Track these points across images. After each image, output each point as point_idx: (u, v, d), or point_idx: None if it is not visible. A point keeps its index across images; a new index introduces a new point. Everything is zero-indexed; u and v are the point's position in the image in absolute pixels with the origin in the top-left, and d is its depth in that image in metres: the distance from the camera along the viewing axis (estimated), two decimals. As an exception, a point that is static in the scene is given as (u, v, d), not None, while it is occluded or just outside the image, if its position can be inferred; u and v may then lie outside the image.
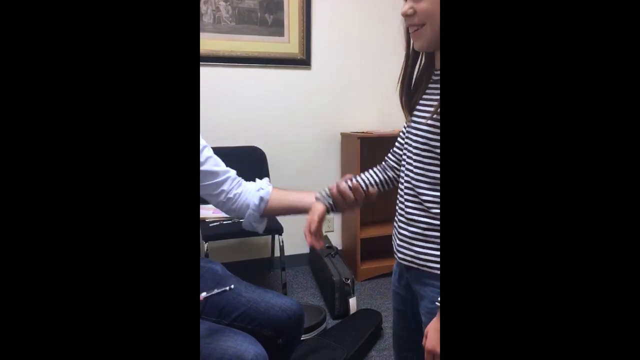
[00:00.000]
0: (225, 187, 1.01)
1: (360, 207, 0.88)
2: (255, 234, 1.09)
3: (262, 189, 1.01)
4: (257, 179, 1.05)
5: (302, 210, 0.96)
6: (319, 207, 0.86)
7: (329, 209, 0.87)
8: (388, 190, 0.93)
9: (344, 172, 2.43)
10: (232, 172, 1.03)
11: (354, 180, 0.87)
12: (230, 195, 1.01)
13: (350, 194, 0.85)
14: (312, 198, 0.91)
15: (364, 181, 0.90)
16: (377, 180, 0.91)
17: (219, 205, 1.03)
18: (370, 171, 0.93)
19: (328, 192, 0.87)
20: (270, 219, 2.01)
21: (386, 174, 0.92)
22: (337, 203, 0.86)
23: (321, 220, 0.86)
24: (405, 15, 0.70)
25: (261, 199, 1.00)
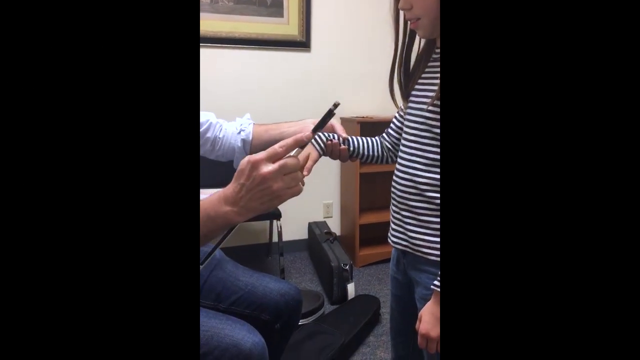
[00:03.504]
0: (209, 134, 0.99)
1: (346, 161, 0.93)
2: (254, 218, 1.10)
3: (243, 130, 1.00)
4: (237, 118, 1.03)
5: None
6: (314, 154, 0.86)
7: (321, 154, 0.88)
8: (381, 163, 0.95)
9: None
10: (211, 116, 1.01)
11: (336, 139, 0.88)
12: (215, 142, 1.00)
13: (337, 149, 0.88)
14: (291, 129, 0.96)
15: (357, 142, 0.91)
16: (371, 153, 0.91)
17: (207, 154, 1.02)
18: (372, 141, 0.92)
19: (324, 140, 0.88)
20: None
21: (382, 151, 0.93)
22: (328, 151, 0.88)
23: (313, 164, 0.87)
24: (403, 9, 0.70)
25: (243, 141, 0.99)
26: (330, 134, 0.89)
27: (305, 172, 0.83)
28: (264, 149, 1.01)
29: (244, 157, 0.99)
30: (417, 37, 0.76)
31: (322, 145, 0.87)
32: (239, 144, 0.99)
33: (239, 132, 1.00)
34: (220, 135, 1.00)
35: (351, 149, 0.90)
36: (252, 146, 1.00)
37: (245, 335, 0.83)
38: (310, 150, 0.85)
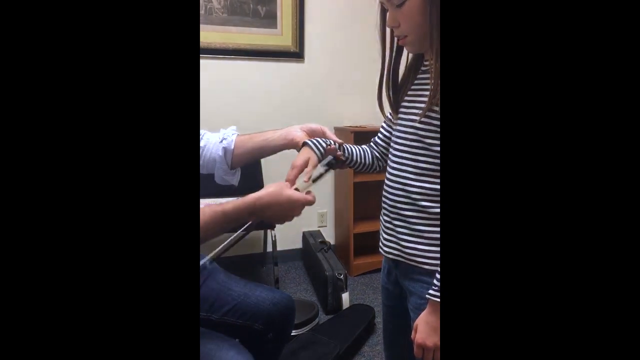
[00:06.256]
0: None
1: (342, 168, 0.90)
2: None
3: (225, 138, 0.95)
4: (221, 129, 0.99)
5: (270, 151, 0.94)
6: (313, 158, 0.83)
7: (320, 158, 0.84)
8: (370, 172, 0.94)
9: (337, 167, 2.41)
10: None
11: (333, 144, 0.86)
12: None
13: (335, 155, 0.86)
14: (275, 134, 0.92)
15: (351, 150, 0.90)
16: (363, 161, 0.91)
17: None
18: (363, 149, 0.92)
19: (324, 145, 0.85)
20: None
21: (373, 160, 0.92)
22: (326, 156, 0.85)
23: (313, 168, 0.83)
24: (390, 27, 0.72)
25: (225, 150, 0.94)
26: (329, 140, 0.88)
27: (305, 178, 0.81)
28: (248, 157, 0.98)
29: (225, 167, 0.96)
30: (404, 51, 0.77)
31: (321, 150, 0.85)
32: (220, 152, 0.94)
33: (221, 141, 0.95)
34: (202, 145, 0.95)
35: (346, 155, 0.89)
36: (235, 155, 0.95)
37: (234, 356, 0.81)
38: (309, 154, 0.83)
